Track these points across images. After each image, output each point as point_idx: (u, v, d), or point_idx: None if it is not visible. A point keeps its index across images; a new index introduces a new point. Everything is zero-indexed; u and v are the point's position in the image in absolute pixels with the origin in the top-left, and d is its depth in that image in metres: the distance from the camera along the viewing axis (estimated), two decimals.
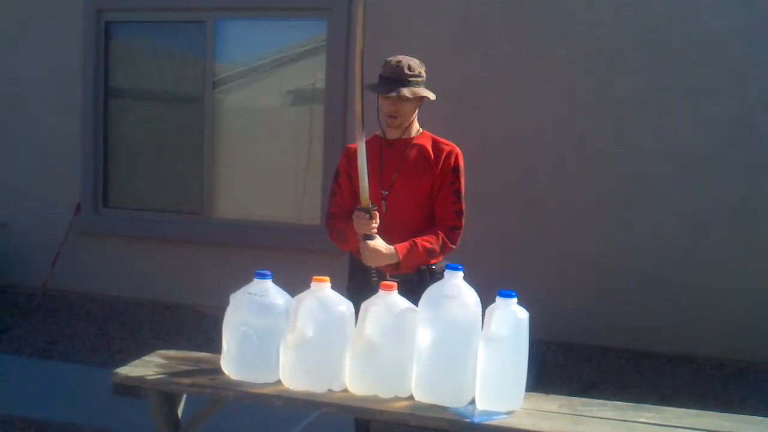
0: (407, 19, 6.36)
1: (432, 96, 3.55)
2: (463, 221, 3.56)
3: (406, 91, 3.43)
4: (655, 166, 6.01)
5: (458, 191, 3.56)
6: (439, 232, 3.49)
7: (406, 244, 3.41)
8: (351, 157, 3.61)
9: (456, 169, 3.56)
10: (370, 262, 3.37)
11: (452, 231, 3.52)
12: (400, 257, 3.38)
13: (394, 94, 3.42)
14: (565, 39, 6.12)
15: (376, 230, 3.36)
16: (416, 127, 3.64)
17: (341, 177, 3.66)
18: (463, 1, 6.31)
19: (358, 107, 3.34)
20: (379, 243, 3.36)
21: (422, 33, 6.24)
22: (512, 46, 6.21)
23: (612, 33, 6.02)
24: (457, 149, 3.60)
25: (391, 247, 3.38)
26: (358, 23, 3.29)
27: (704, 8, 5.89)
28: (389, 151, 3.58)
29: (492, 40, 6.25)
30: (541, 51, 6.17)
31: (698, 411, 2.89)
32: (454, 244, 3.52)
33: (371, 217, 3.34)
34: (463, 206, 3.58)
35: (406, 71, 3.47)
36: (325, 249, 6.23)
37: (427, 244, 3.44)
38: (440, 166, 3.54)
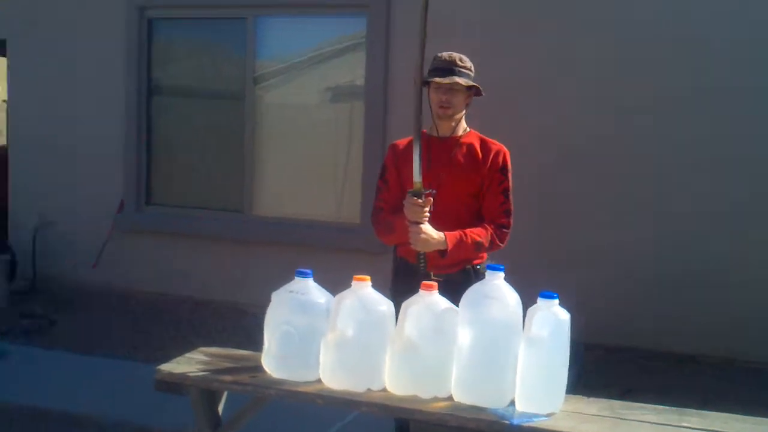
0: (450, 15, 6.35)
1: (482, 91, 3.59)
2: (512, 221, 3.56)
3: (459, 79, 3.48)
4: (666, 168, 5.98)
5: (507, 190, 3.57)
6: (489, 227, 3.49)
7: (456, 233, 3.41)
8: (398, 151, 3.64)
9: (504, 168, 3.57)
10: (420, 247, 3.37)
11: (501, 229, 3.52)
12: (449, 245, 3.37)
13: (447, 80, 3.46)
14: (578, 39, 6.07)
15: (428, 217, 3.36)
16: (464, 125, 3.65)
17: (388, 172, 3.66)
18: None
19: (417, 79, 3.38)
20: (429, 227, 3.36)
21: (465, 28, 6.23)
22: (526, 46, 6.17)
23: (622, 35, 5.98)
24: (505, 149, 3.60)
25: (441, 233, 3.37)
26: (422, 8, 3.29)
27: (707, 10, 5.83)
28: (438, 148, 3.58)
29: (502, 42, 6.20)
30: (555, 52, 6.12)
31: (744, 416, 2.84)
32: (502, 242, 3.52)
33: (424, 203, 3.33)
34: (512, 206, 3.58)
35: (459, 62, 3.52)
36: (365, 248, 6.28)
37: (477, 237, 3.44)
38: (488, 165, 3.55)
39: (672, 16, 5.93)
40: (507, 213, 3.55)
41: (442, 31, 6.16)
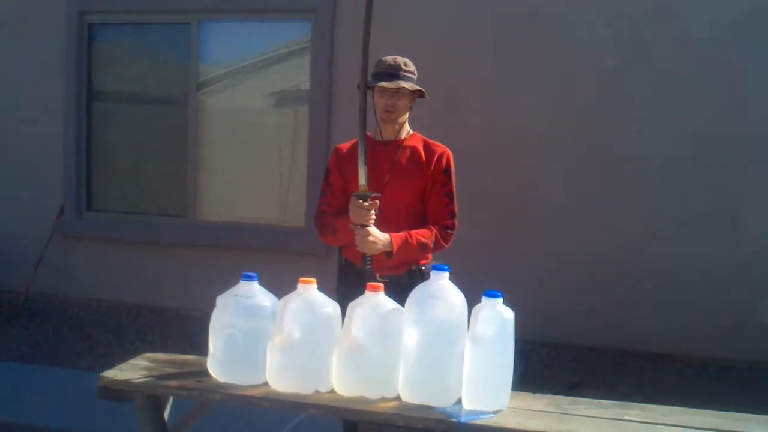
0: (395, 21, 6.39)
1: (426, 94, 3.62)
2: (456, 222, 3.59)
3: (405, 84, 3.50)
4: (638, 168, 6.06)
5: (450, 192, 3.60)
6: (433, 228, 3.51)
7: (402, 234, 3.42)
8: (341, 155, 3.65)
9: (447, 170, 3.59)
10: (366, 249, 3.37)
11: (445, 230, 3.54)
12: (395, 246, 3.39)
13: (393, 85, 3.48)
14: (549, 42, 6.15)
15: (374, 220, 3.37)
16: (407, 128, 3.67)
17: (332, 175, 3.66)
18: (452, 3, 6.33)
19: (362, 82, 3.41)
20: (375, 230, 3.37)
21: (410, 35, 6.28)
22: (497, 48, 6.24)
23: (596, 35, 6.06)
24: (448, 151, 3.62)
25: (387, 234, 3.39)
26: (365, 11, 3.31)
27: (683, 11, 5.93)
28: (382, 152, 3.59)
29: (477, 42, 6.27)
30: (526, 54, 6.20)
31: (683, 408, 2.91)
32: (446, 243, 3.54)
33: (370, 206, 3.33)
34: (456, 207, 3.60)
35: (404, 66, 3.55)
36: (311, 250, 6.28)
37: (422, 238, 3.46)
38: (432, 168, 3.56)
39: (646, 18, 6.03)
40: (452, 215, 3.58)
41: (401, 34, 6.29)
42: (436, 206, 3.57)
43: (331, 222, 3.56)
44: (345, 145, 3.68)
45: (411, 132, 3.67)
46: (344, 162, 3.60)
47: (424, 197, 3.58)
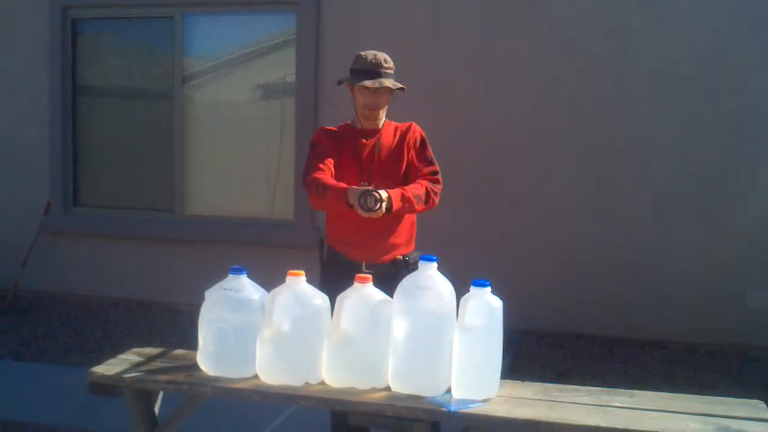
0: (379, 13, 6.39)
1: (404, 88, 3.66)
2: (441, 180, 3.63)
3: (387, 82, 3.54)
4: (623, 156, 6.07)
5: (428, 157, 3.68)
6: (422, 182, 3.56)
7: (397, 190, 3.41)
8: (327, 131, 3.70)
9: (422, 140, 3.70)
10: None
11: (434, 184, 3.58)
12: (394, 204, 3.35)
13: (377, 84, 3.51)
14: (533, 31, 6.16)
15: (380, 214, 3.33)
16: (384, 117, 3.73)
17: (319, 146, 3.64)
18: None
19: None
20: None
21: (394, 26, 6.28)
22: (482, 38, 6.24)
23: (580, 24, 6.07)
24: (414, 124, 3.73)
25: (384, 193, 3.31)
26: None
27: None
28: (364, 142, 3.65)
29: (462, 33, 6.27)
30: (510, 43, 6.21)
31: (670, 394, 2.94)
32: (436, 195, 3.57)
33: (378, 210, 3.29)
34: (438, 168, 3.66)
35: (384, 63, 3.58)
36: (299, 243, 6.29)
37: (415, 191, 3.47)
38: (408, 144, 3.65)
39: (631, 4, 6.03)
40: (435, 173, 3.64)
41: (396, 22, 6.30)
42: (418, 170, 3.62)
43: (321, 183, 3.46)
44: (331, 128, 3.74)
45: (385, 119, 3.74)
46: (332, 137, 3.65)
47: (408, 175, 3.64)
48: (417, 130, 3.71)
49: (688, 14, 5.90)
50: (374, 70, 3.54)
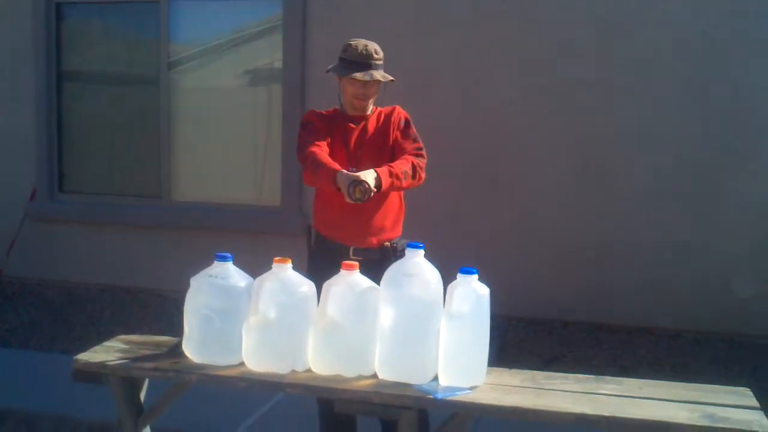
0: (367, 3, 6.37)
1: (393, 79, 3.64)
2: (426, 155, 3.61)
3: (378, 75, 3.52)
4: (611, 144, 6.07)
5: (412, 134, 3.66)
6: (407, 157, 3.53)
7: (384, 168, 3.39)
8: (321, 117, 3.66)
9: (406, 120, 3.69)
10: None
11: (419, 158, 3.55)
12: (383, 182, 3.32)
13: (368, 77, 3.49)
14: (519, 19, 6.14)
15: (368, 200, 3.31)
16: (372, 105, 3.71)
17: (311, 125, 3.60)
18: None
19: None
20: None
21: (381, 15, 6.24)
22: (468, 27, 6.22)
23: (566, 12, 6.05)
24: (397, 106, 3.72)
25: (372, 172, 3.31)
26: None
27: None
28: (352, 127, 3.63)
29: (448, 22, 6.25)
30: (496, 32, 6.18)
31: (657, 381, 2.95)
32: (422, 170, 3.54)
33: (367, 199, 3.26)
34: (422, 144, 3.64)
35: (375, 55, 3.54)
36: (286, 230, 6.27)
37: (402, 167, 3.45)
38: (392, 127, 3.64)
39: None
40: (420, 149, 3.61)
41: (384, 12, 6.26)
42: (403, 147, 3.60)
43: (316, 159, 3.42)
44: (321, 111, 3.72)
45: (373, 107, 3.72)
46: (323, 119, 3.64)
47: (393, 155, 3.61)
48: (401, 112, 3.70)
49: (676, 4, 5.89)
50: (365, 62, 3.51)
